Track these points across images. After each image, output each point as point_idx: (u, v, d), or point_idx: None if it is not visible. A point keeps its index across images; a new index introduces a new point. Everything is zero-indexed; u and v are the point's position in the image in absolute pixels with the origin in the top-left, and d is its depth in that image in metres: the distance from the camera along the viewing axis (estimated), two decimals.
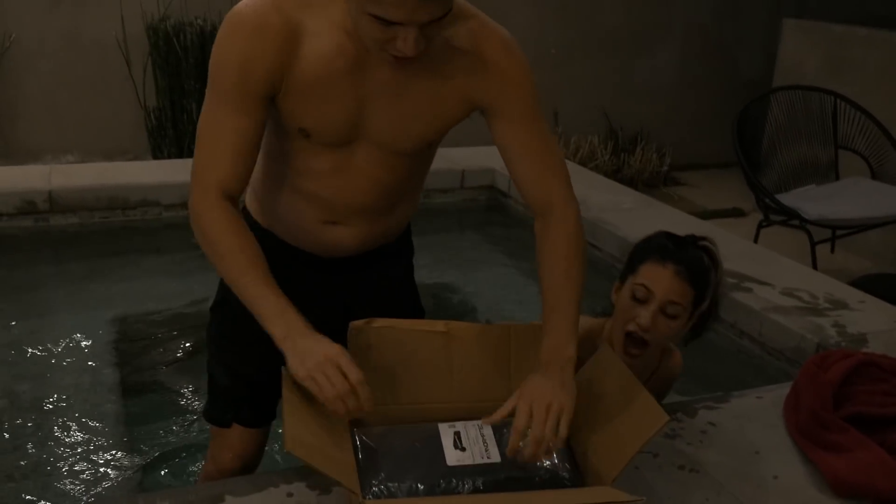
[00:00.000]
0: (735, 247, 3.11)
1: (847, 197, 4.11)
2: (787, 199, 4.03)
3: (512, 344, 1.56)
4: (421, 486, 1.32)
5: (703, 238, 1.73)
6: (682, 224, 3.47)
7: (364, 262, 1.68)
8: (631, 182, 5.46)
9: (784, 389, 1.97)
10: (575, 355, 1.39)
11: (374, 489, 1.32)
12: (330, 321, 1.47)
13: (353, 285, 1.70)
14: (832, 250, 4.42)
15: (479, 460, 1.36)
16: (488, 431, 1.41)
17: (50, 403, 2.61)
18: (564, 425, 1.30)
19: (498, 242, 3.95)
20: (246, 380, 1.72)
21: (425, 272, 3.66)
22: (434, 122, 1.50)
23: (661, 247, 1.65)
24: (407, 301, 1.86)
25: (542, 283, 1.47)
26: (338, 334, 1.44)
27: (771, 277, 2.79)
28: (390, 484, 1.33)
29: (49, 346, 2.94)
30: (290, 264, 1.59)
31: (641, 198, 3.91)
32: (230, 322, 1.69)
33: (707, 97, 6.42)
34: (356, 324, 1.51)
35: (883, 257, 4.52)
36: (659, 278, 1.61)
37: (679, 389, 2.56)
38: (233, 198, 1.45)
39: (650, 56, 6.26)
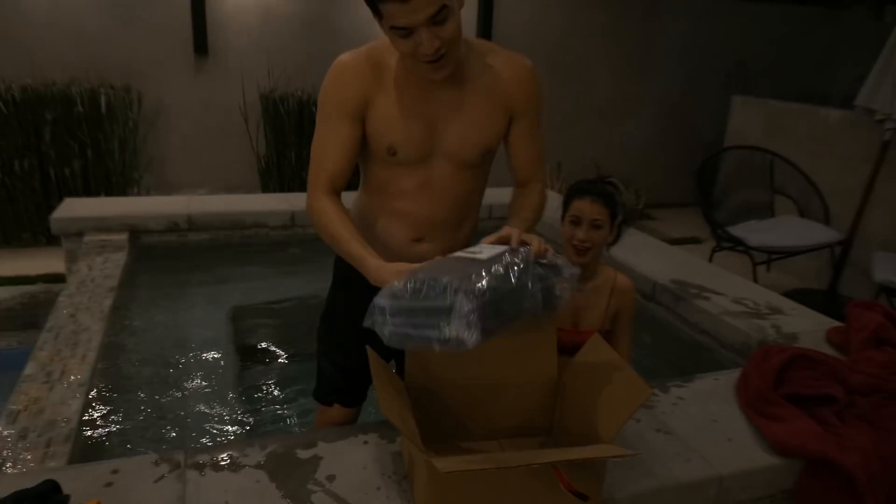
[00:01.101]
0: (695, 266, 3.07)
1: (781, 230, 4.05)
2: (735, 230, 3.98)
3: (527, 332, 1.46)
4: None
5: (609, 177, 1.87)
6: (654, 247, 3.44)
7: None
8: None
9: (735, 374, 1.94)
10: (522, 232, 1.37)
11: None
12: None
13: None
14: (768, 270, 4.35)
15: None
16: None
17: (186, 372, 2.62)
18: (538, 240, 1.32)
19: None
20: (345, 371, 1.71)
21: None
22: (490, 130, 1.48)
23: (580, 187, 1.76)
24: None
25: (511, 217, 1.51)
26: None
27: (724, 289, 2.74)
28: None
29: (187, 329, 2.95)
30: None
31: (628, 230, 3.84)
32: (335, 329, 1.69)
33: (673, 152, 6.38)
34: None
35: (806, 276, 4.45)
36: (583, 206, 1.72)
37: (654, 372, 2.54)
38: (337, 192, 1.46)
39: (632, 120, 6.24)
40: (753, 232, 3.96)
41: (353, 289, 1.58)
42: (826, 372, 1.79)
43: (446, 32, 1.28)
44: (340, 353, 1.70)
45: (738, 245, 3.91)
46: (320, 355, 1.76)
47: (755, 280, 3.76)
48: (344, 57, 1.42)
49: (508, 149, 1.55)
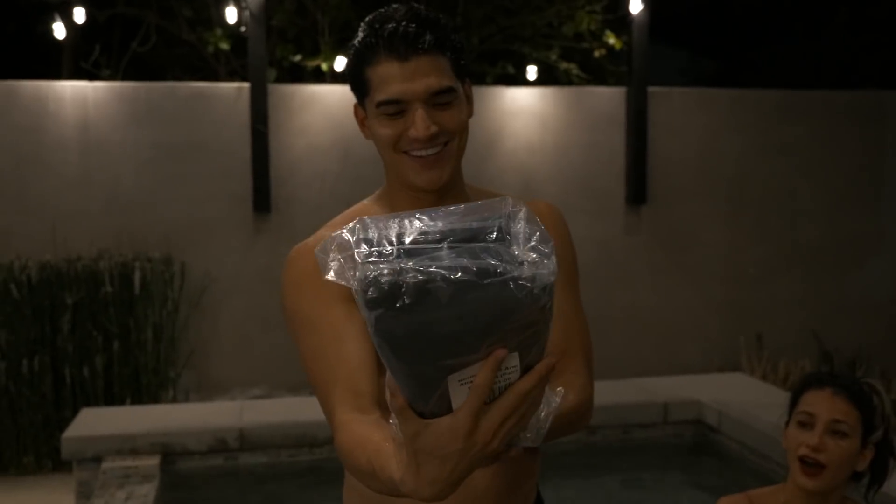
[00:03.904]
0: None
1: None
2: None
3: None
4: None
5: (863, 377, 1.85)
6: None
7: None
8: None
9: None
10: None
11: None
12: None
13: None
14: None
15: None
16: None
17: None
18: None
19: (706, 487, 3.57)
20: None
21: None
22: None
23: (817, 376, 1.76)
24: None
25: None
26: None
27: None
28: None
29: None
30: None
31: None
32: None
33: None
34: None
35: None
36: (819, 400, 1.68)
37: None
38: (369, 406, 1.30)
39: (863, 269, 5.95)
40: None
41: None
42: None
43: (448, 120, 1.34)
44: None
45: None
46: None
47: None
48: (307, 242, 1.43)
49: None
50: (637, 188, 5.57)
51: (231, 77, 6.15)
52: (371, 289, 0.91)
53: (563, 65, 6.53)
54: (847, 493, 1.73)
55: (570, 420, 1.37)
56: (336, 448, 1.25)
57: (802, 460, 1.66)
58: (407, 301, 0.89)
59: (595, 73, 6.87)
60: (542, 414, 1.05)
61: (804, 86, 6.08)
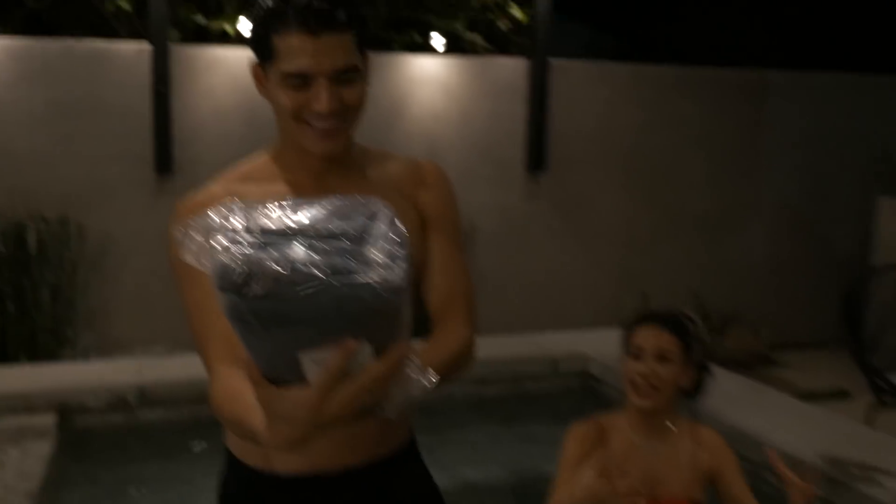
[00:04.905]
0: (853, 434, 2.97)
1: None
2: None
3: None
4: None
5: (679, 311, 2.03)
6: (789, 408, 3.32)
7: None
8: (725, 364, 5.26)
9: None
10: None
11: None
12: None
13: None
14: None
15: None
16: None
17: None
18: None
19: None
20: None
21: (517, 466, 3.51)
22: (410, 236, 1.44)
23: (643, 315, 1.96)
24: None
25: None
26: None
27: None
28: None
29: None
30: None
31: (743, 380, 3.78)
32: None
33: (801, 275, 6.39)
34: None
35: None
36: (646, 335, 1.89)
37: None
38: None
39: (740, 236, 6.28)
40: None
41: None
42: None
43: (351, 97, 1.37)
44: None
45: None
46: None
47: None
48: (196, 195, 1.47)
49: (420, 269, 1.54)
50: (537, 157, 5.69)
51: (133, 37, 5.98)
52: (223, 276, 0.94)
53: (469, 35, 6.57)
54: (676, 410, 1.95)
55: (451, 369, 1.43)
56: (209, 396, 1.30)
57: (634, 384, 1.86)
58: (255, 291, 0.92)
59: (500, 45, 6.95)
60: (408, 392, 1.08)
61: (698, 62, 6.31)
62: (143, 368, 3.70)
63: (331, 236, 0.95)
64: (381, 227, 0.98)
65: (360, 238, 0.96)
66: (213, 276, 0.95)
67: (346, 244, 0.95)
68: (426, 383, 1.09)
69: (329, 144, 1.39)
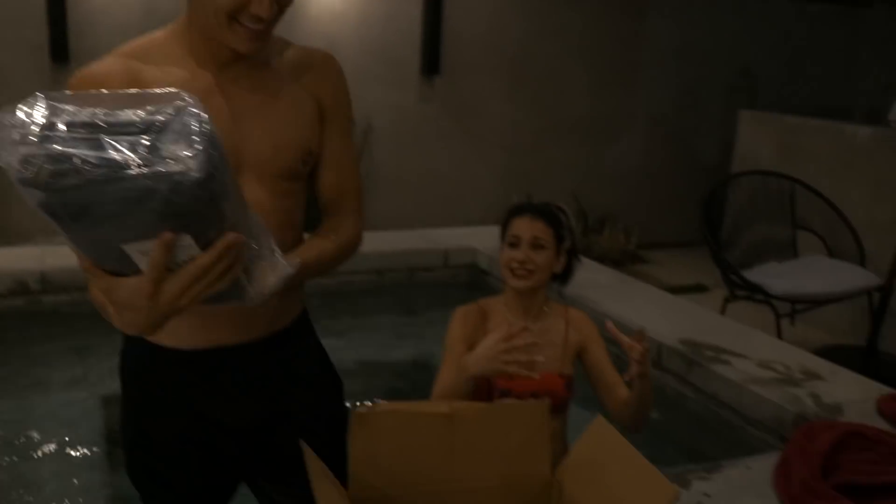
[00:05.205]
0: (708, 321, 3.14)
1: (808, 274, 4.19)
2: (752, 275, 4.09)
3: (512, 423, 1.50)
4: None
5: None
6: (654, 298, 3.54)
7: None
8: (600, 261, 5.51)
9: (771, 459, 1.98)
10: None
11: None
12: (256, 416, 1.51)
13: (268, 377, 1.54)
14: (792, 323, 4.48)
15: None
16: None
17: (36, 478, 2.53)
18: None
19: None
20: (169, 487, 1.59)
21: (411, 346, 3.69)
22: (309, 129, 1.46)
23: (517, 207, 2.00)
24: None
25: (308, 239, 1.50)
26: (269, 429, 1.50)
27: (745, 350, 2.82)
28: None
29: (39, 424, 2.85)
30: (205, 372, 1.49)
31: (615, 275, 3.96)
32: (155, 470, 1.59)
33: (670, 180, 6.63)
34: (360, 411, 1.42)
35: (838, 329, 4.60)
36: (521, 224, 1.93)
37: (665, 459, 2.56)
38: None
39: (617, 142, 6.47)
40: (774, 277, 4.09)
41: (154, 403, 1.53)
42: (886, 454, 1.83)
43: (286, 1, 1.34)
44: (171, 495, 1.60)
45: (756, 293, 4.02)
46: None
47: (779, 337, 3.86)
48: (91, 67, 1.34)
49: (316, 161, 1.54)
50: (431, 60, 5.72)
51: None
52: (17, 170, 0.92)
53: None
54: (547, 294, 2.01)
55: (338, 259, 1.50)
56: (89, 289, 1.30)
57: (512, 270, 1.93)
58: (54, 185, 0.91)
59: None
60: (271, 279, 1.11)
61: None
62: (45, 255, 3.64)
63: (134, 130, 0.93)
64: (184, 120, 0.95)
65: (159, 131, 0.94)
66: (12, 172, 0.94)
67: (147, 137, 0.93)
68: (284, 271, 1.12)
69: (257, 45, 1.35)
